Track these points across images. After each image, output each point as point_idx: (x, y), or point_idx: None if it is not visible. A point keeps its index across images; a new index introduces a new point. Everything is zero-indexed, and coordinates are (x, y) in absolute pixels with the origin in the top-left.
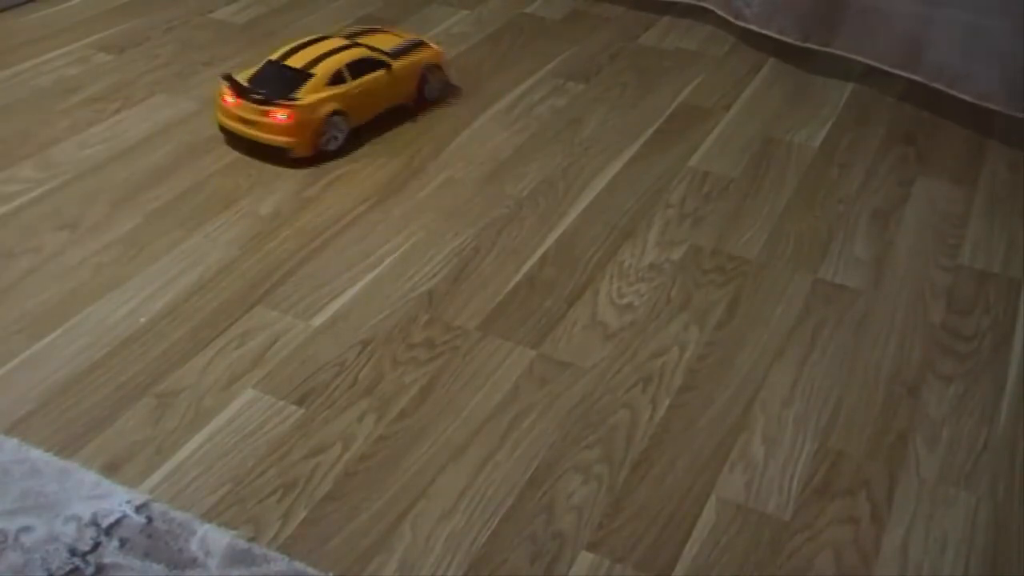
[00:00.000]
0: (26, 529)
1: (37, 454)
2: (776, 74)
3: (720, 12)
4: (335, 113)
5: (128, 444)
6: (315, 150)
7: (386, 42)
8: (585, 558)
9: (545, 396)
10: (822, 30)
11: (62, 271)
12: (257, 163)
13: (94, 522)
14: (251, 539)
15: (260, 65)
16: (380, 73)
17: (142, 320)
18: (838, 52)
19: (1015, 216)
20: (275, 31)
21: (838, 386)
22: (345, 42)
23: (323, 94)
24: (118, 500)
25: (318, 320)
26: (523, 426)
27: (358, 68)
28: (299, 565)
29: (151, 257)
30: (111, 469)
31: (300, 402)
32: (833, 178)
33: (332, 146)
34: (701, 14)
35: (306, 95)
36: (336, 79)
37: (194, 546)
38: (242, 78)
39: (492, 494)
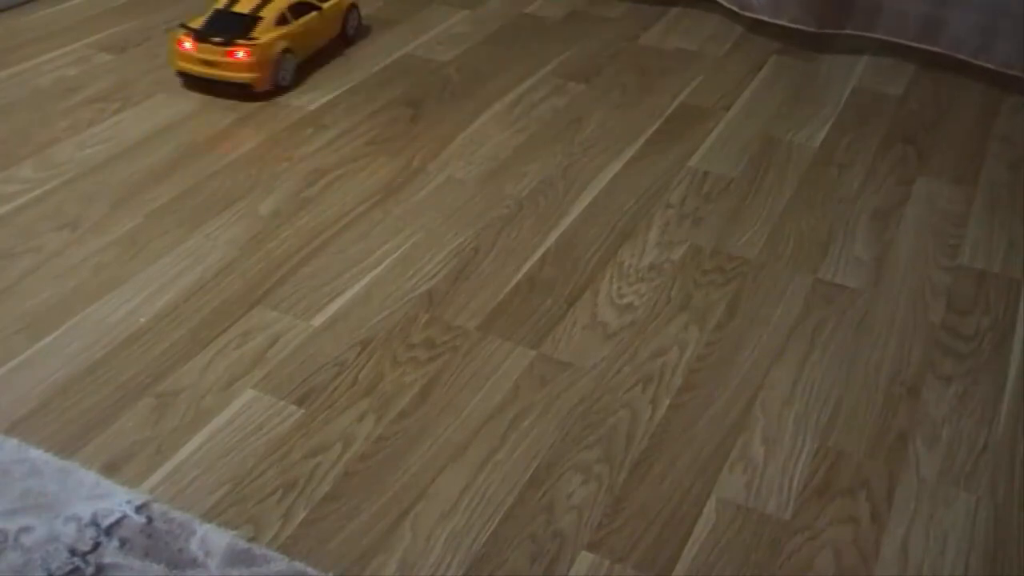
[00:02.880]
0: (26, 529)
1: (37, 454)
2: (776, 74)
3: (726, 3)
4: (286, 51)
5: (128, 444)
6: (273, 85)
7: None
8: (585, 558)
9: (545, 396)
10: (836, 15)
11: (62, 271)
12: (257, 163)
13: (94, 522)
14: (251, 539)
15: (209, 13)
16: (314, 15)
17: (142, 320)
18: (855, 32)
19: (1015, 216)
20: None
21: (838, 386)
22: None
23: (274, 34)
24: (118, 500)
25: (318, 320)
26: (523, 426)
27: (297, 11)
28: (299, 565)
29: (151, 257)
30: (111, 469)
31: (300, 402)
32: (833, 178)
33: (285, 81)
34: (708, 6)
35: (261, 35)
36: (281, 21)
37: (194, 546)
38: (195, 25)
39: (492, 494)
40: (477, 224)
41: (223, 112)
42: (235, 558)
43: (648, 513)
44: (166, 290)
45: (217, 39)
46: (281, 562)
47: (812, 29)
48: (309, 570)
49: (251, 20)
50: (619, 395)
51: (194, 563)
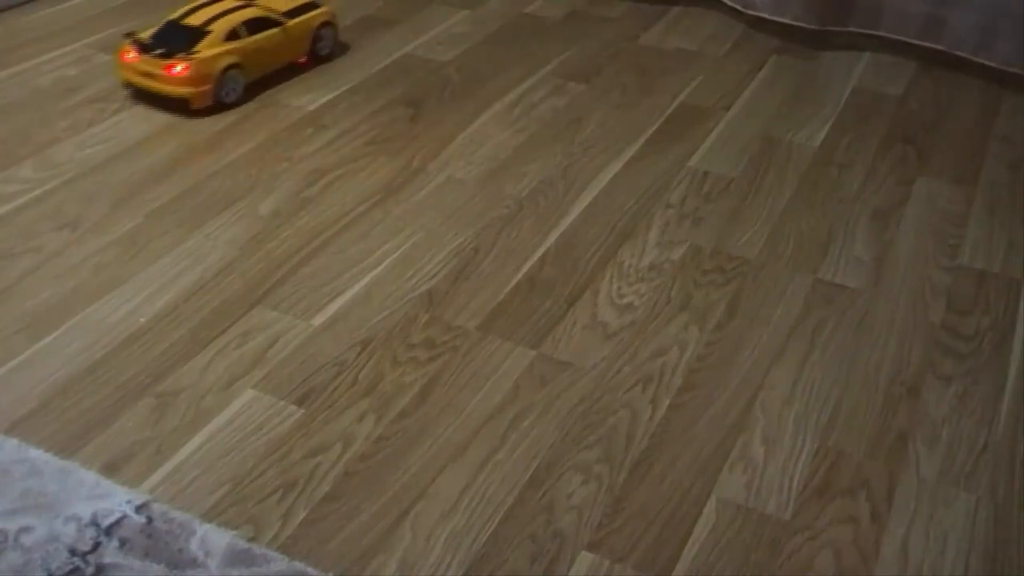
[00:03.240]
0: (26, 529)
1: (37, 454)
2: (776, 74)
3: (729, 2)
4: (232, 67)
5: (128, 444)
6: (214, 101)
7: (282, 4)
8: (585, 558)
9: (545, 396)
10: (837, 14)
11: (62, 271)
12: (257, 163)
13: (94, 522)
14: (251, 539)
15: (161, 24)
16: (275, 31)
17: (142, 320)
18: (857, 30)
19: (1015, 216)
20: None
21: (838, 386)
22: (241, 2)
23: (219, 49)
24: (118, 500)
25: (318, 320)
26: (523, 426)
27: (254, 26)
28: (299, 565)
29: (151, 257)
30: (111, 469)
31: (300, 402)
32: (833, 178)
33: (230, 98)
34: (709, 5)
35: (204, 50)
36: (232, 36)
37: (194, 546)
38: (144, 36)
39: (492, 494)
40: (477, 224)
41: (223, 112)
42: (235, 558)
43: (648, 513)
44: (166, 290)
45: (158, 51)
46: (281, 562)
47: (814, 27)
48: (309, 570)
49: (199, 34)
50: (619, 395)
51: (194, 563)
